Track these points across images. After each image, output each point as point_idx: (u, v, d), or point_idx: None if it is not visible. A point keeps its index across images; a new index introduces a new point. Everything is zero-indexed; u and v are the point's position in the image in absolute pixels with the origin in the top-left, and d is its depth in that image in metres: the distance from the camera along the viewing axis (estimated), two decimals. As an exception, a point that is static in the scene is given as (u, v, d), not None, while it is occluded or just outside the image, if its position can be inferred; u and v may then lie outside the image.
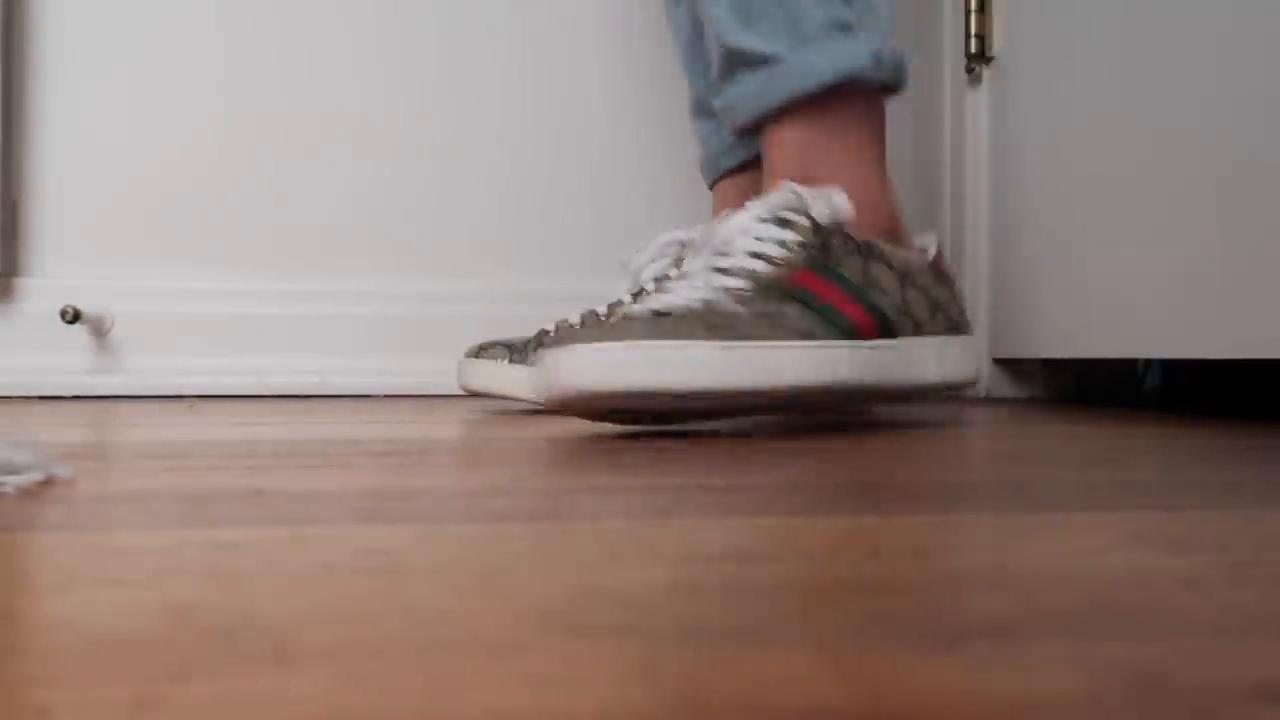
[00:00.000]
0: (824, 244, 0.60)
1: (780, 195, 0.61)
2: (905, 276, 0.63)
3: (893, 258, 0.62)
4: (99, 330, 0.96)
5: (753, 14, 0.67)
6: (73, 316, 0.92)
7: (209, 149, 1.01)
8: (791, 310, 0.57)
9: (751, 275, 0.57)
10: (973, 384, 0.68)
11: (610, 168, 1.07)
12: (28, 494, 0.32)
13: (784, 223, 0.59)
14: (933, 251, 0.67)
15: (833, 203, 0.61)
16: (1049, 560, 0.24)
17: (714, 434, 0.57)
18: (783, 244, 0.59)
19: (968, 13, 1.07)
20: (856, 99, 0.68)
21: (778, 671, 0.16)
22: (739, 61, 0.68)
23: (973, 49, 1.07)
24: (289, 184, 1.02)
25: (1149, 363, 1.16)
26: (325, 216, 1.03)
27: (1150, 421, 0.73)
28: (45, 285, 0.96)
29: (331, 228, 1.03)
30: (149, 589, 0.20)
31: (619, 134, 1.07)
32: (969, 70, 1.08)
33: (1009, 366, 1.08)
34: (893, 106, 1.16)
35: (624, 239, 1.08)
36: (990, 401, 1.02)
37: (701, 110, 0.87)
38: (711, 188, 0.88)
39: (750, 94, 0.68)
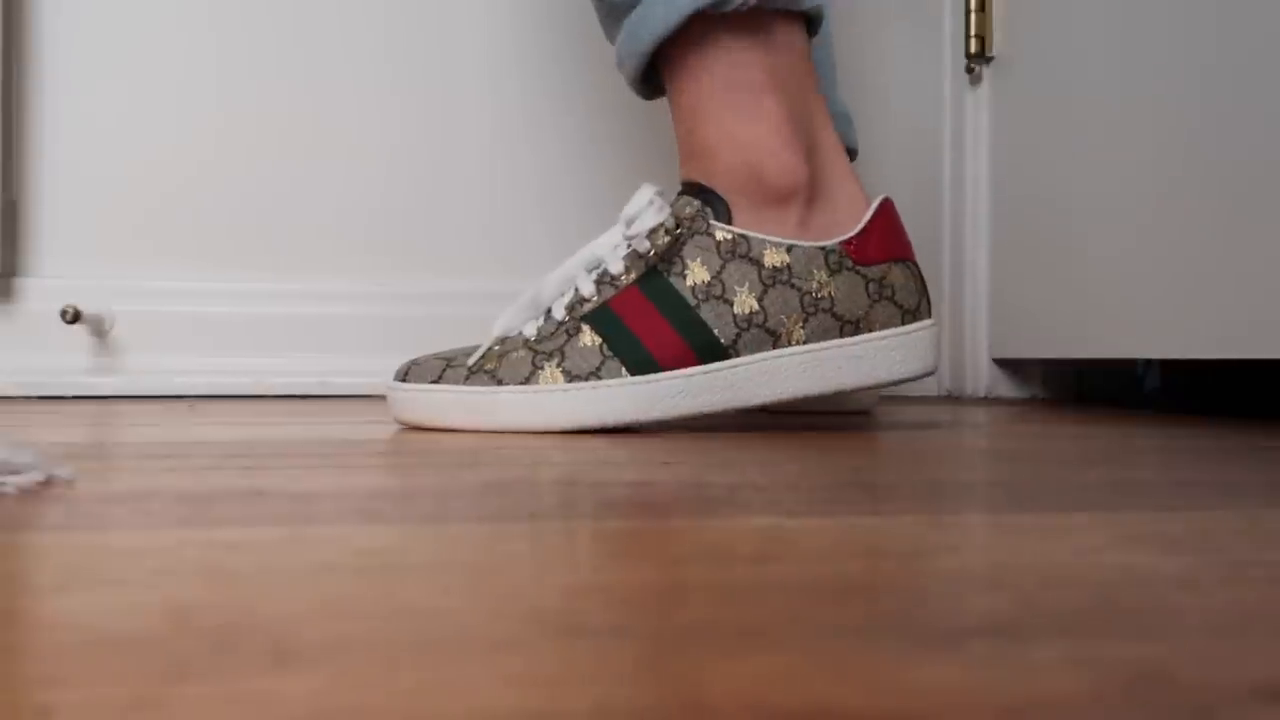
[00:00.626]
0: (671, 250, 0.57)
1: (634, 200, 0.59)
2: (778, 275, 0.57)
3: (762, 256, 0.57)
4: (99, 330, 0.96)
5: None
6: (73, 316, 0.92)
7: (209, 149, 1.01)
8: (583, 344, 0.57)
9: (577, 302, 0.59)
10: (908, 380, 0.60)
11: (612, 171, 1.07)
12: (28, 494, 0.32)
13: (633, 235, 0.58)
14: (857, 225, 0.59)
15: (689, 203, 0.58)
16: (1048, 560, 0.24)
17: (713, 435, 0.57)
18: (624, 258, 0.58)
19: (968, 13, 1.07)
20: (742, 35, 0.59)
21: (778, 671, 0.16)
22: (613, 9, 0.62)
23: (973, 49, 1.07)
24: (289, 184, 1.02)
25: (1149, 363, 1.16)
26: (325, 217, 1.03)
27: (1150, 421, 0.73)
28: (45, 285, 0.96)
29: (332, 228, 1.03)
30: (149, 589, 0.20)
31: (619, 136, 1.07)
32: (969, 70, 1.08)
33: (1009, 366, 1.08)
34: (893, 106, 1.15)
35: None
36: (990, 401, 1.02)
37: None
38: None
39: (625, 44, 0.61)
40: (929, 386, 1.12)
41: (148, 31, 1.00)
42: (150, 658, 0.16)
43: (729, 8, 0.58)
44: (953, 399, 1.07)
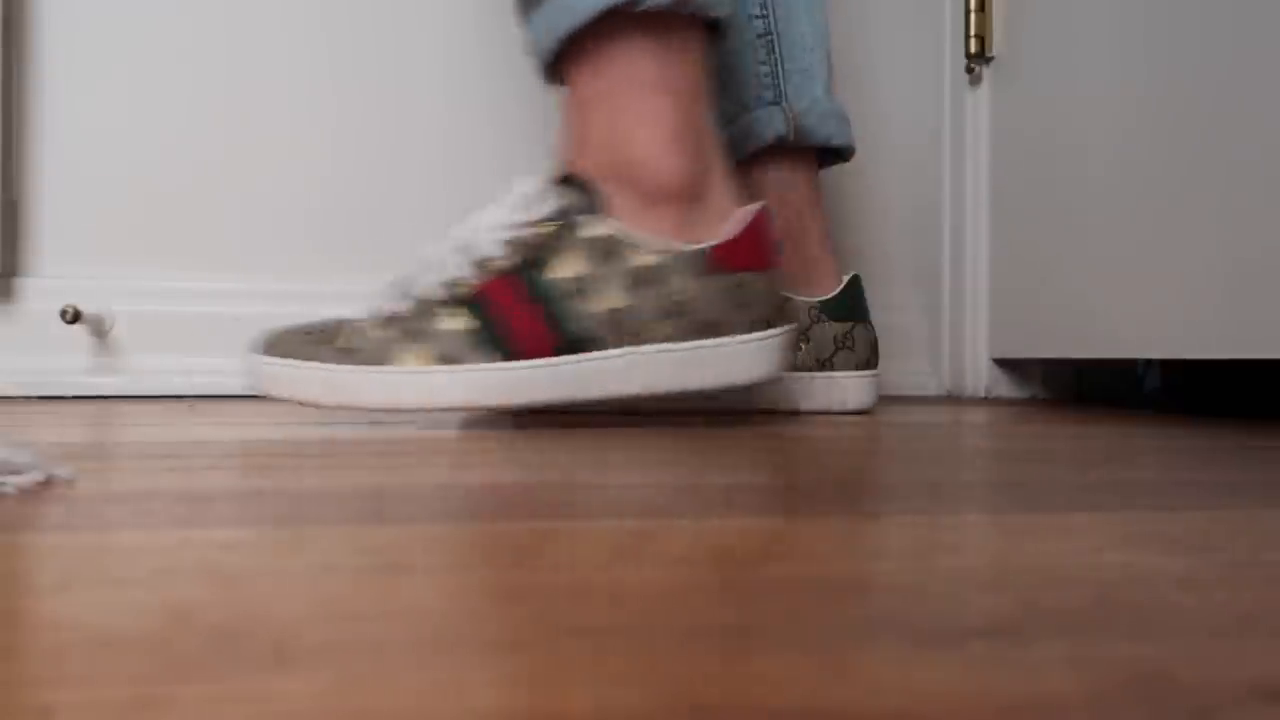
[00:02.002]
0: (545, 244, 0.59)
1: (517, 188, 0.60)
2: (643, 275, 0.58)
3: (631, 256, 0.58)
4: (99, 330, 0.96)
5: None
6: (73, 316, 0.92)
7: (209, 149, 1.01)
8: (452, 327, 0.58)
9: (449, 285, 0.59)
10: (756, 382, 0.61)
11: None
12: (28, 494, 0.32)
13: (515, 223, 0.59)
14: (728, 231, 0.60)
15: (569, 196, 0.59)
16: (1048, 560, 0.24)
17: (712, 435, 0.57)
18: (503, 245, 0.59)
19: (968, 13, 1.07)
20: (647, 35, 0.61)
21: (778, 671, 0.16)
22: (525, 3, 0.63)
23: (973, 49, 1.07)
24: (289, 184, 1.02)
25: (1149, 363, 1.16)
26: (326, 217, 1.03)
27: (1150, 421, 0.73)
28: (45, 285, 0.96)
29: (332, 228, 1.03)
30: (149, 589, 0.20)
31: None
32: (969, 70, 1.08)
33: (1009, 366, 1.08)
34: (893, 106, 1.15)
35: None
36: (990, 401, 1.02)
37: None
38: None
39: (539, 31, 0.62)
40: (929, 386, 1.13)
41: (148, 32, 1.00)
42: (150, 658, 0.16)
43: (641, 7, 0.59)
44: (953, 399, 1.07)
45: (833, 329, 0.79)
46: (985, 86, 1.07)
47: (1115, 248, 0.86)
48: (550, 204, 0.59)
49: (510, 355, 0.58)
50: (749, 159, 0.82)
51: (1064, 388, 1.10)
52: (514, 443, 0.52)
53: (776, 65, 0.83)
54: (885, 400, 1.01)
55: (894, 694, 0.15)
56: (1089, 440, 0.56)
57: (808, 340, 0.78)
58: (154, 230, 1.00)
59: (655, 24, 0.61)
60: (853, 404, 0.79)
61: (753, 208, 0.62)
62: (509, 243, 0.59)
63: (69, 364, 0.95)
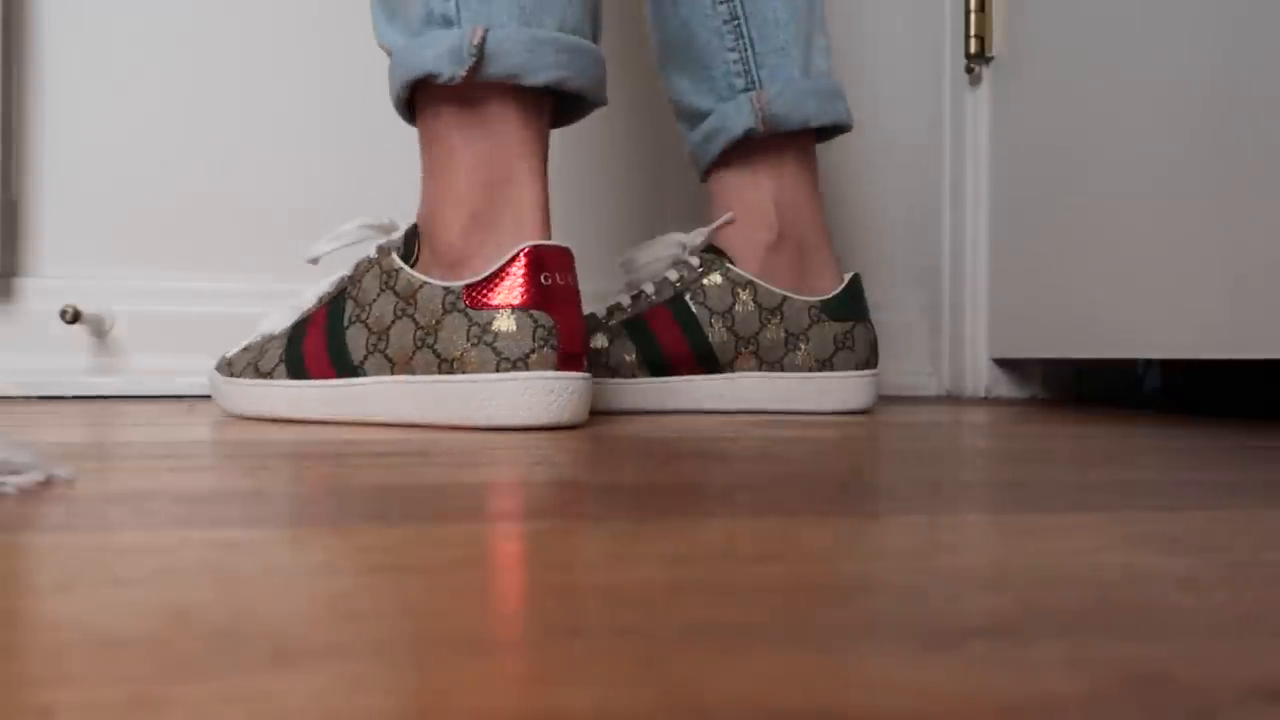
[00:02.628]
0: (359, 281, 0.65)
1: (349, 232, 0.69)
2: (406, 307, 0.61)
3: (405, 286, 0.62)
4: (99, 330, 0.96)
5: (393, 8, 0.64)
6: (73, 316, 0.92)
7: (209, 150, 1.01)
8: (274, 349, 0.68)
9: (296, 311, 0.70)
10: (504, 428, 0.59)
11: (622, 168, 1.07)
12: (28, 494, 0.32)
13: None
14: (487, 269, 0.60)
15: (390, 239, 0.65)
16: (1048, 560, 0.24)
17: (711, 435, 0.57)
18: (331, 284, 0.68)
19: (968, 13, 1.07)
20: (453, 105, 0.63)
21: (778, 671, 0.16)
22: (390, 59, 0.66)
23: (973, 49, 1.07)
24: (289, 184, 1.02)
25: (1149, 363, 1.16)
26: (326, 217, 1.03)
27: (1150, 421, 0.73)
28: (45, 285, 0.96)
29: (332, 228, 1.03)
30: (149, 589, 0.20)
31: (634, 134, 1.07)
32: (969, 70, 1.08)
33: (1009, 366, 1.08)
34: (893, 106, 1.16)
35: (624, 238, 1.08)
36: (990, 401, 1.02)
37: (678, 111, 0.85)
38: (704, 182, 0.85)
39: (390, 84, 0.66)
40: (929, 386, 1.13)
41: (148, 32, 1.00)
42: (150, 658, 0.16)
43: (439, 81, 0.61)
44: (953, 399, 1.07)
45: (833, 329, 0.79)
46: (985, 86, 1.07)
47: (1115, 248, 0.86)
48: (377, 246, 0.67)
49: (300, 375, 0.66)
50: (727, 154, 0.80)
51: (1064, 388, 1.10)
52: (514, 444, 0.52)
53: (747, 50, 0.79)
54: (885, 400, 1.01)
55: (894, 694, 0.15)
56: (1089, 440, 0.56)
57: (808, 340, 0.78)
58: (154, 230, 1.00)
59: (461, 95, 0.63)
60: (853, 404, 0.78)
61: (522, 248, 0.59)
62: (339, 279, 0.67)
63: (69, 364, 0.95)
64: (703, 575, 0.22)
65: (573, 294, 0.60)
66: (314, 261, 0.69)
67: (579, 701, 0.14)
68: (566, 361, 0.59)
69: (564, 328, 0.59)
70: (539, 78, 0.62)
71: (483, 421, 0.58)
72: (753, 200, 0.80)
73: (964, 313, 1.09)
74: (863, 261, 1.15)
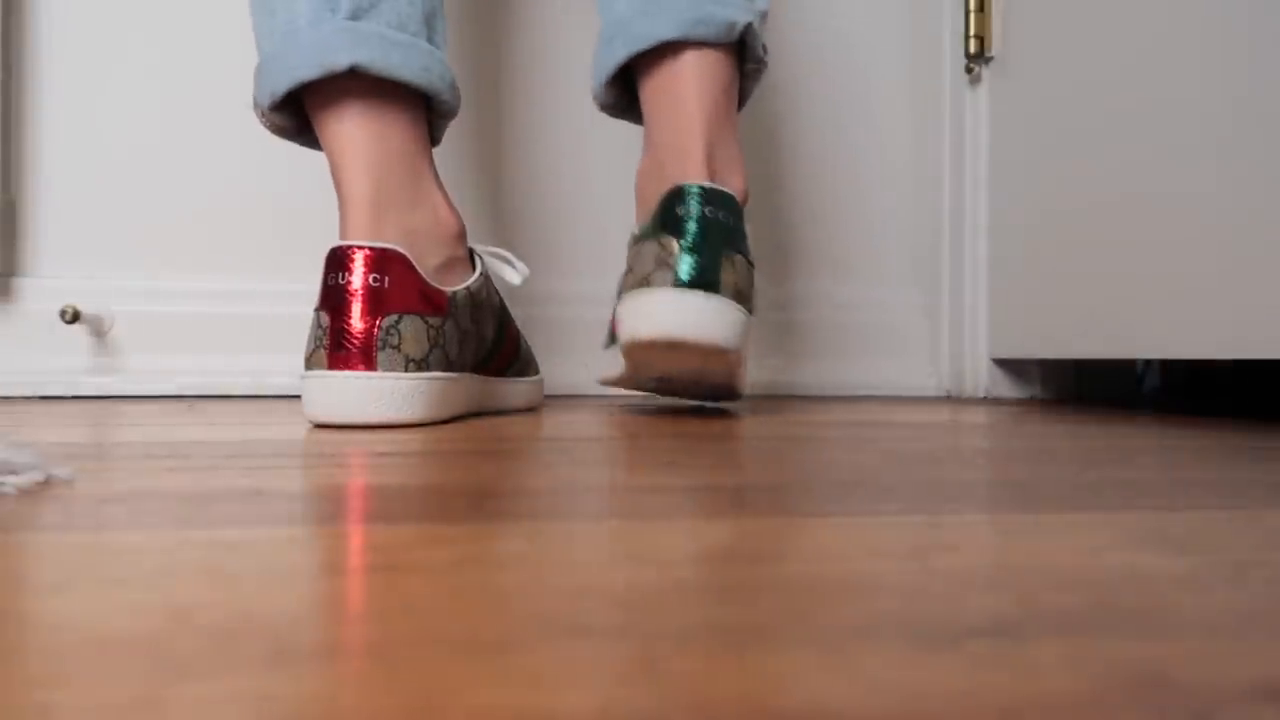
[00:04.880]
0: None
1: None
2: None
3: None
4: (99, 330, 0.96)
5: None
6: (72, 316, 0.92)
7: (209, 149, 1.01)
8: None
9: None
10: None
11: (624, 172, 1.07)
12: (28, 494, 0.32)
13: None
14: None
15: None
16: (1048, 560, 0.24)
17: (710, 436, 0.57)
18: None
19: (967, 13, 1.07)
20: (355, 101, 0.65)
21: (778, 671, 0.16)
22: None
23: (972, 49, 1.07)
24: (290, 184, 1.02)
25: (1149, 363, 1.16)
26: (325, 217, 1.03)
27: (1150, 421, 0.73)
28: (45, 285, 0.96)
29: (332, 228, 1.03)
30: (149, 589, 0.20)
31: (614, 139, 1.07)
32: (969, 70, 1.08)
33: (1009, 366, 1.08)
34: (893, 106, 1.15)
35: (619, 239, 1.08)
36: (990, 401, 1.02)
37: None
38: None
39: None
40: (929, 386, 1.13)
41: (148, 32, 1.00)
42: (150, 658, 0.16)
43: (318, 77, 0.63)
44: (952, 399, 1.07)
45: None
46: (985, 86, 1.07)
47: (1115, 248, 0.86)
48: None
49: None
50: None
51: (1064, 388, 1.10)
52: (514, 443, 0.52)
53: None
54: (885, 400, 1.01)
55: (894, 694, 0.15)
56: (1089, 440, 0.56)
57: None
58: (153, 230, 1.00)
59: (357, 91, 0.64)
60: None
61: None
62: None
63: (69, 364, 0.95)
64: (703, 575, 0.22)
65: (354, 293, 0.61)
66: None
67: (579, 701, 0.14)
68: (339, 361, 0.59)
69: (336, 326, 0.60)
70: (424, 82, 0.65)
71: (309, 419, 0.61)
72: None
73: (964, 313, 1.09)
74: (862, 262, 1.15)
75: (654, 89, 0.71)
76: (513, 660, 0.16)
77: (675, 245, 0.64)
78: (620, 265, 1.01)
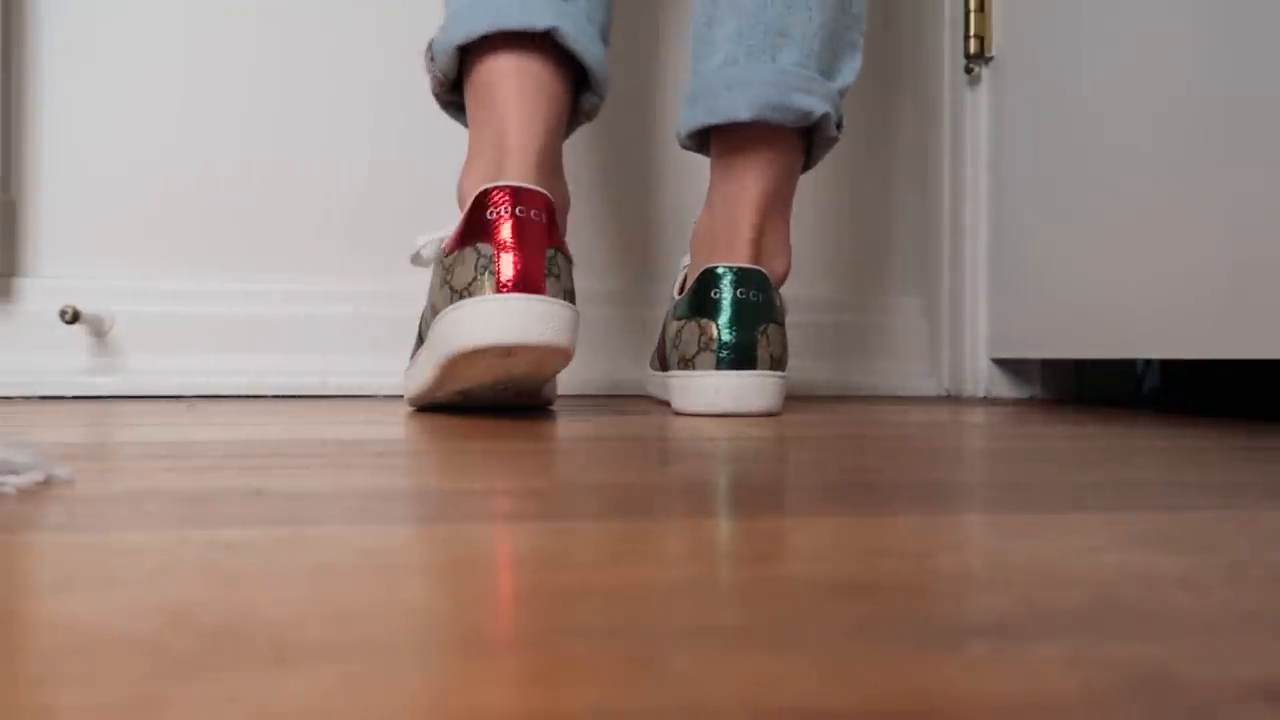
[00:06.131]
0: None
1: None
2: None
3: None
4: (99, 330, 0.96)
5: None
6: (72, 316, 0.92)
7: (209, 149, 1.01)
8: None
9: None
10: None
11: (641, 172, 1.07)
12: (28, 494, 0.32)
13: None
14: None
15: None
16: (1048, 560, 0.24)
17: (711, 435, 0.57)
18: None
19: (967, 13, 1.07)
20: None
21: (778, 671, 0.16)
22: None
23: (972, 49, 1.07)
24: (290, 184, 1.02)
25: (1149, 363, 1.16)
26: (325, 217, 1.03)
27: (1150, 421, 0.73)
28: (45, 285, 0.96)
29: (331, 228, 1.03)
30: (149, 589, 0.20)
31: (645, 141, 1.07)
32: (968, 70, 1.08)
33: (1009, 366, 1.08)
34: (893, 106, 1.16)
35: (647, 241, 1.08)
36: (989, 401, 1.02)
37: None
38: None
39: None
40: (929, 386, 1.13)
41: (148, 32, 1.00)
42: (150, 658, 0.16)
43: (518, 29, 0.66)
44: (952, 399, 1.07)
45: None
46: (985, 86, 1.07)
47: (1115, 248, 0.86)
48: None
49: None
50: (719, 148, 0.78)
51: (1064, 388, 1.10)
52: (514, 443, 0.52)
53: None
54: (885, 400, 1.01)
55: (894, 694, 0.15)
56: (1089, 440, 0.56)
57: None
58: (153, 230, 1.00)
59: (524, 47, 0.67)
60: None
61: None
62: None
63: (69, 364, 0.95)
64: (702, 575, 0.22)
65: (527, 223, 0.63)
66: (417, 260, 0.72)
67: (579, 701, 0.14)
68: (508, 286, 0.61)
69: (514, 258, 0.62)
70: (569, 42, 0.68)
71: (456, 350, 0.62)
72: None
73: (964, 313, 1.09)
74: (862, 262, 1.15)
75: (722, 159, 0.77)
76: (513, 660, 0.16)
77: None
78: (623, 264, 1.01)
